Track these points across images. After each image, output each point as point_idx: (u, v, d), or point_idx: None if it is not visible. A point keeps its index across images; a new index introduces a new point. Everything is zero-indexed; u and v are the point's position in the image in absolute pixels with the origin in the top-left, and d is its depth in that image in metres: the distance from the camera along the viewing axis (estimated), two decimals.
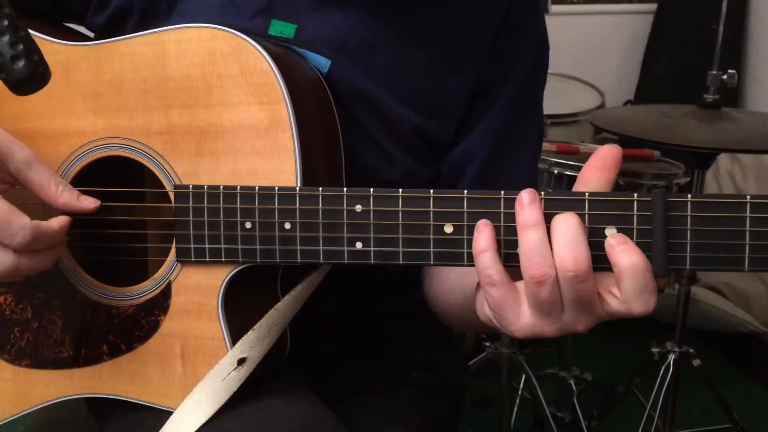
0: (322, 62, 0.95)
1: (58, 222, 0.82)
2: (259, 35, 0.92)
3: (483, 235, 0.74)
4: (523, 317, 0.74)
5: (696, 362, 2.10)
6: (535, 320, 0.73)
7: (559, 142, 2.25)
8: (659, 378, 2.06)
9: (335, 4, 0.96)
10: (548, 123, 2.56)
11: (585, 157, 2.19)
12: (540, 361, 2.30)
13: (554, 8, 2.09)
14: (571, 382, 2.28)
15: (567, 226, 0.71)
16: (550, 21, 1.93)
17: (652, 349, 2.13)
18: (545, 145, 2.20)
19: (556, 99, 2.77)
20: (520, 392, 2.21)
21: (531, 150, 1.06)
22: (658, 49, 3.65)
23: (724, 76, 1.95)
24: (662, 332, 2.21)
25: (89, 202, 0.85)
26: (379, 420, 1.03)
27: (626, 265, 0.70)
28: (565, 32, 3.50)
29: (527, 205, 0.72)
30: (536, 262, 0.71)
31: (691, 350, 2.10)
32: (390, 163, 0.99)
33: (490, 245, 0.73)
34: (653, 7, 3.69)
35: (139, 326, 0.91)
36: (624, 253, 0.70)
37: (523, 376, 2.18)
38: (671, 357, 2.07)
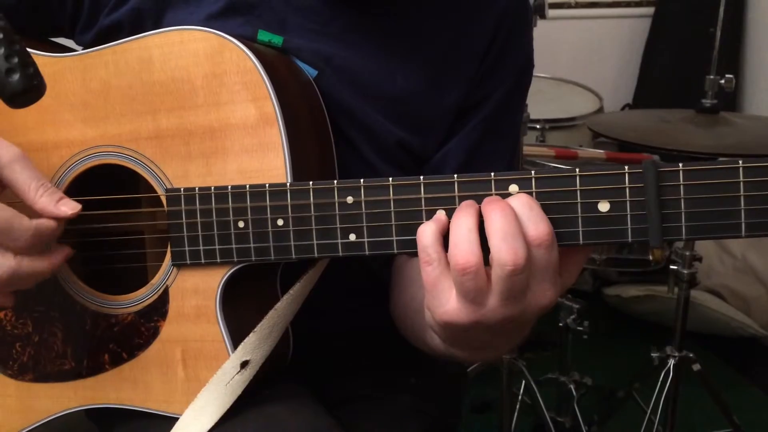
0: (309, 71, 0.96)
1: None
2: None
3: (432, 218, 0.75)
4: (451, 301, 0.72)
5: (696, 367, 2.09)
6: (460, 306, 0.72)
7: (557, 147, 2.25)
8: (659, 383, 2.04)
9: (321, 25, 0.97)
10: (546, 127, 2.56)
11: (584, 161, 2.19)
12: (540, 366, 2.28)
13: (552, 12, 2.09)
14: (572, 387, 2.25)
15: (504, 217, 0.70)
16: (548, 25, 1.93)
17: (652, 354, 2.11)
18: (544, 150, 2.20)
19: (554, 103, 2.78)
20: (520, 397, 2.19)
21: (503, 165, 1.05)
22: (656, 53, 3.65)
23: (722, 81, 1.94)
24: (662, 336, 2.20)
25: (67, 208, 0.80)
26: (379, 426, 1.03)
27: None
28: (564, 36, 3.52)
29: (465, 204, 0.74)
30: (462, 249, 0.70)
31: (691, 354, 2.08)
32: (373, 173, 0.99)
33: (433, 226, 0.74)
34: (651, 10, 3.70)
35: (138, 333, 0.91)
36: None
37: (523, 382, 2.16)
38: (671, 361, 2.05)
